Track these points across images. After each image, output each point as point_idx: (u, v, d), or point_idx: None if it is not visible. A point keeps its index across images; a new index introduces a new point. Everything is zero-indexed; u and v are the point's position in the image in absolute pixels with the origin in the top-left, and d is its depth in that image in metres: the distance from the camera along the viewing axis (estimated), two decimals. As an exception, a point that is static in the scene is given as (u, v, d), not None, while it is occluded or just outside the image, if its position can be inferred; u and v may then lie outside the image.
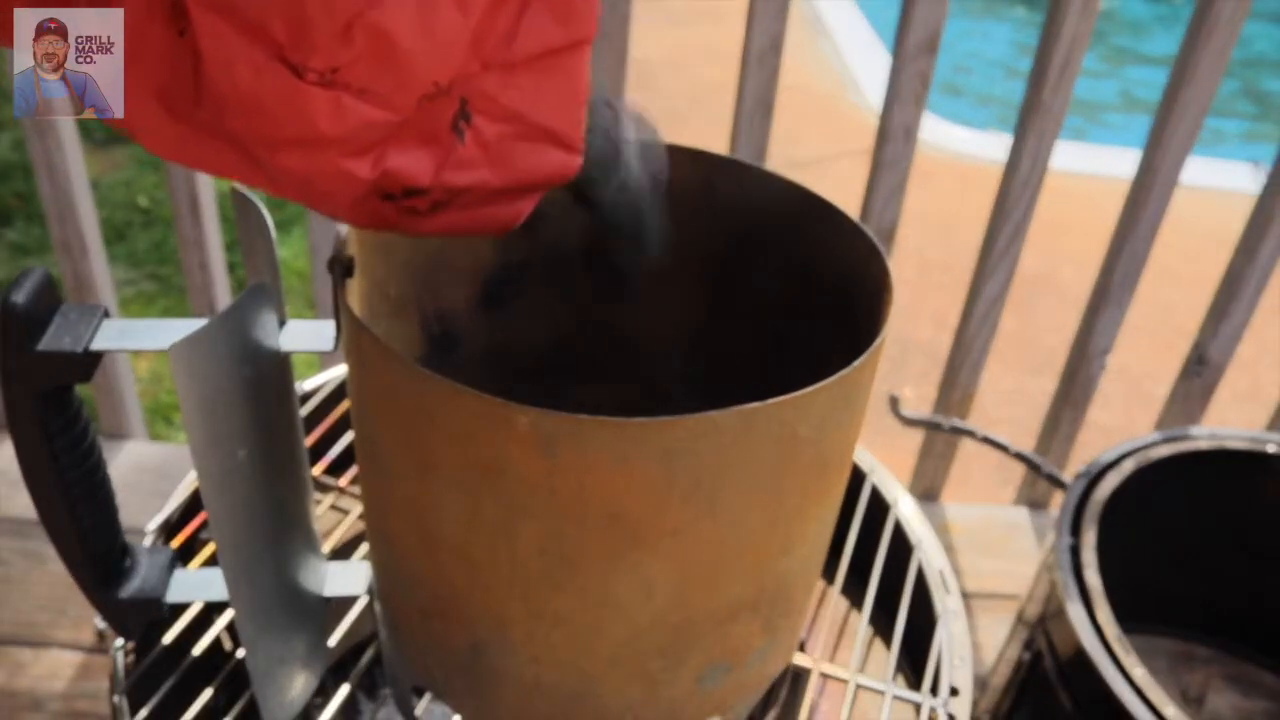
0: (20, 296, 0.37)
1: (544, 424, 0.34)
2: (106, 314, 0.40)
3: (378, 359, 0.37)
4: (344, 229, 0.42)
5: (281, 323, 0.44)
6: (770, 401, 0.34)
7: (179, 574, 0.47)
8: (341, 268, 0.40)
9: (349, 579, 0.52)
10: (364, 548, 0.61)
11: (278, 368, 0.44)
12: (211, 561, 0.57)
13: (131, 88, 0.33)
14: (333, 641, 0.54)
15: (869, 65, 2.97)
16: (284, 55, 0.32)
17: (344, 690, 0.52)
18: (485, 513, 0.37)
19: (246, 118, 0.33)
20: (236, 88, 0.32)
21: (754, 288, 0.51)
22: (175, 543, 0.58)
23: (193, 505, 0.60)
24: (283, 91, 0.32)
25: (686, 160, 0.49)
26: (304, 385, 0.67)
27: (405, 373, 0.36)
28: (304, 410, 0.65)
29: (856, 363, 0.37)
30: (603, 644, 0.40)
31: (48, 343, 0.38)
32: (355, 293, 0.42)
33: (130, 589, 0.45)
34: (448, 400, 0.35)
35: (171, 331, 0.39)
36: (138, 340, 0.40)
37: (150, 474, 1.09)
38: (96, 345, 0.39)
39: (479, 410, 0.34)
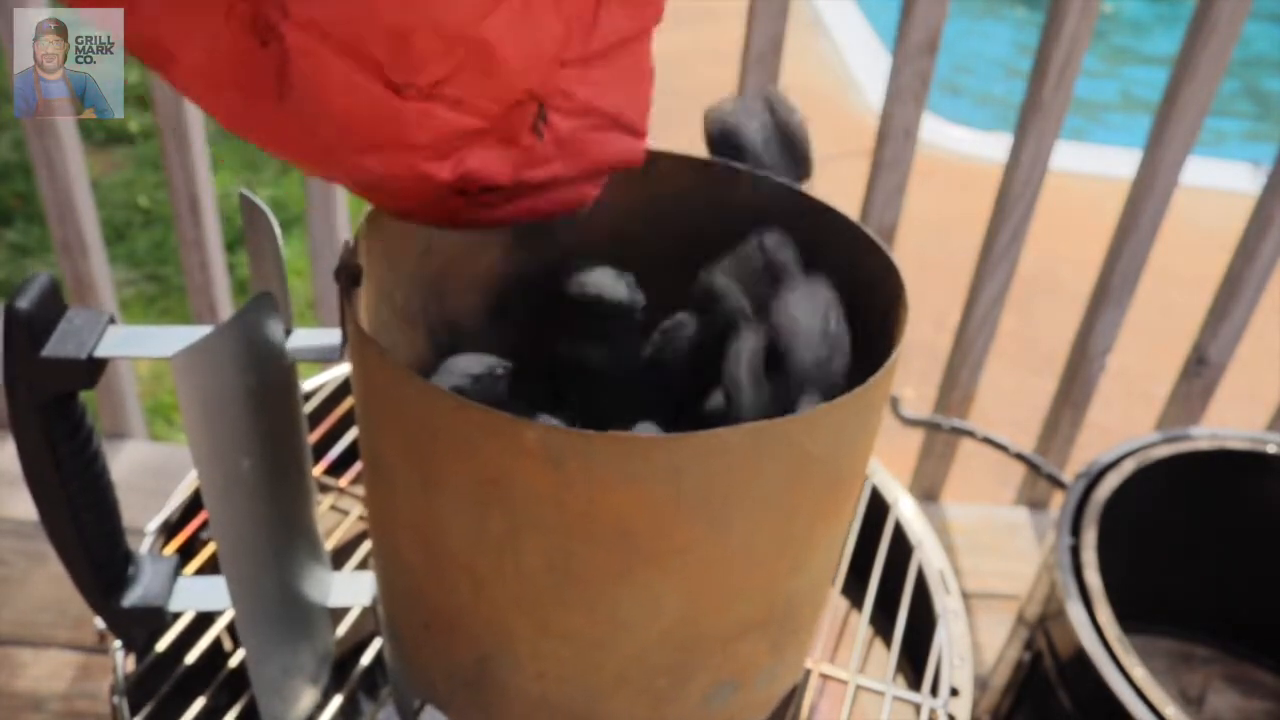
0: (25, 302, 0.37)
1: (551, 440, 0.33)
2: (112, 320, 0.40)
3: (383, 372, 0.37)
4: (350, 237, 0.41)
5: (287, 331, 0.44)
6: (781, 419, 0.34)
7: (182, 582, 0.47)
8: (349, 277, 0.40)
9: (354, 589, 0.52)
10: (364, 548, 0.61)
11: (283, 377, 0.44)
12: (212, 561, 0.57)
13: (205, 84, 0.33)
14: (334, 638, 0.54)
15: (869, 65, 2.97)
16: (384, 74, 0.32)
17: (345, 690, 0.52)
18: (491, 528, 0.36)
19: (335, 127, 0.33)
20: (329, 103, 0.32)
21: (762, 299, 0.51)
22: (175, 543, 0.58)
23: (193, 505, 0.60)
24: (376, 106, 0.32)
25: (697, 169, 0.49)
26: (305, 385, 0.67)
27: (411, 386, 0.35)
28: (304, 410, 0.64)
29: (870, 380, 0.36)
30: (609, 661, 0.40)
31: (52, 349, 0.38)
32: (363, 302, 0.42)
33: (133, 597, 0.45)
34: (453, 414, 0.34)
35: (176, 339, 0.39)
36: (142, 347, 0.39)
37: (150, 474, 1.09)
38: (101, 352, 0.39)
39: (485, 425, 0.34)
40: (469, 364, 0.44)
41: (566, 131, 0.37)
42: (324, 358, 0.44)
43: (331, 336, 0.44)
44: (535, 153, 0.37)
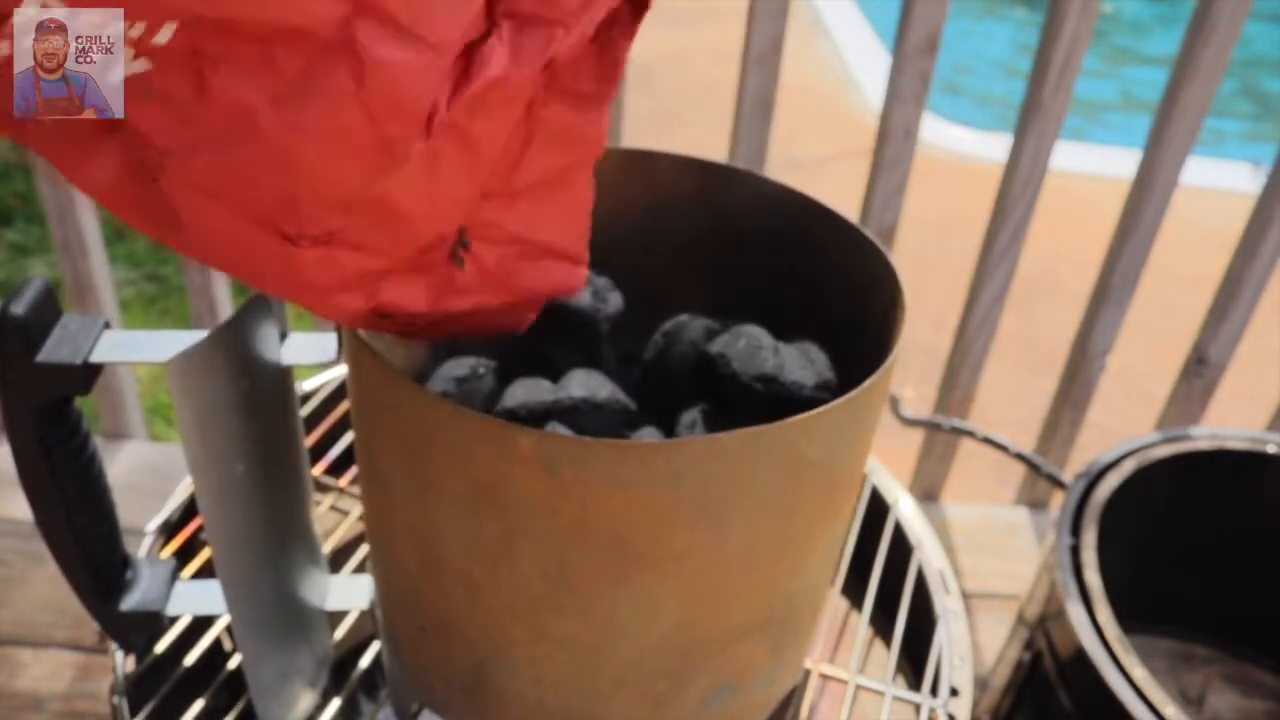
0: (20, 307, 0.37)
1: (546, 446, 0.33)
2: (107, 325, 0.40)
3: (378, 377, 0.36)
4: None
5: (283, 335, 0.44)
6: (778, 423, 0.34)
7: (180, 586, 0.47)
8: None
9: (351, 592, 0.52)
10: (363, 550, 0.61)
11: (278, 381, 0.44)
12: (212, 563, 0.57)
13: (111, 205, 0.31)
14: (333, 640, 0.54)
15: (869, 65, 2.97)
16: (274, 225, 0.30)
17: (344, 692, 0.52)
18: (487, 534, 0.36)
19: (231, 267, 0.32)
20: (220, 248, 0.31)
21: (761, 301, 0.51)
22: (175, 543, 0.58)
23: (193, 506, 0.60)
24: (269, 251, 0.31)
25: (697, 169, 0.48)
26: (304, 385, 0.67)
27: (406, 392, 0.35)
28: (304, 411, 0.64)
29: (866, 383, 0.36)
30: (607, 666, 0.39)
31: (47, 354, 0.38)
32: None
33: (131, 601, 0.45)
34: (448, 420, 0.34)
35: (172, 343, 0.38)
36: (138, 352, 0.39)
37: (150, 474, 1.09)
38: (96, 357, 0.38)
39: (480, 431, 0.34)
40: (453, 368, 0.44)
41: (492, 261, 0.36)
42: (319, 362, 0.43)
43: (327, 341, 0.44)
44: (456, 282, 0.35)
